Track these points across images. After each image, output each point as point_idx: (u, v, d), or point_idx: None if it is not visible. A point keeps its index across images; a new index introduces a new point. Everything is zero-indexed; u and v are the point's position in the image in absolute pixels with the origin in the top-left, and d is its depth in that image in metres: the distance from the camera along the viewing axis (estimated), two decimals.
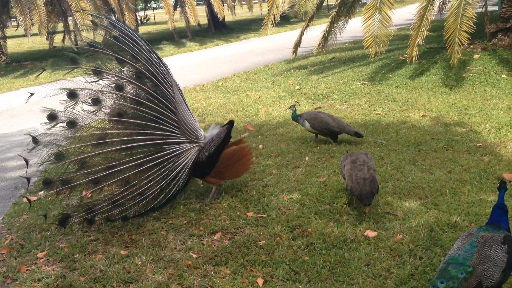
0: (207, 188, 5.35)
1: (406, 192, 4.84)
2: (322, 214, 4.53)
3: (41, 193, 5.61)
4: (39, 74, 7.08)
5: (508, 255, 2.91)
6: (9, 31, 30.65)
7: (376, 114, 7.76)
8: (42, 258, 4.16)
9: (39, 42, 25.57)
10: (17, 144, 8.01)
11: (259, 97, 9.76)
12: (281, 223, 4.41)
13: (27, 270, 4.00)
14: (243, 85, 11.23)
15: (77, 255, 4.16)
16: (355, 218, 4.40)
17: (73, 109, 4.36)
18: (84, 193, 4.72)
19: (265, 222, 4.48)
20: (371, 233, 4.11)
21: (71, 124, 4.37)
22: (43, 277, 3.84)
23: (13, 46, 26.53)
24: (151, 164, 4.58)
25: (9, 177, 6.47)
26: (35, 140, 4.33)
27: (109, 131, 4.54)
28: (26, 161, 4.48)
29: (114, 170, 4.44)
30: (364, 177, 4.42)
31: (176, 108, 4.73)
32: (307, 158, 5.99)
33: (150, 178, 4.58)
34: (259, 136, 7.06)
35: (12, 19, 31.27)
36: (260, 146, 6.62)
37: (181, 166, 4.78)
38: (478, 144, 5.94)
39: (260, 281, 3.58)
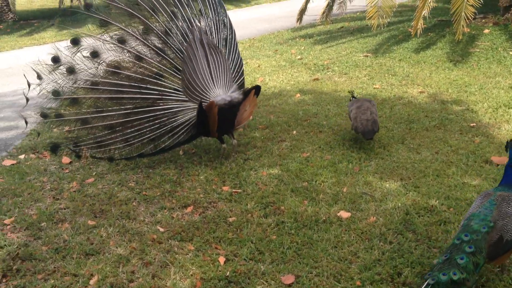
0: (186, 159, 5.23)
1: (388, 172, 4.68)
2: (299, 191, 4.39)
3: (21, 157, 5.54)
4: (49, 25, 7.46)
5: None
6: None
7: (374, 88, 7.53)
8: (8, 224, 4.09)
9: (51, 1, 25.29)
10: (9, 105, 7.93)
11: (259, 65, 9.55)
12: (255, 199, 4.29)
13: None
14: (245, 52, 10.98)
15: (44, 223, 4.08)
16: (331, 197, 4.27)
17: (74, 55, 4.75)
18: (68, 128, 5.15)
19: (240, 197, 4.36)
20: (344, 214, 3.97)
21: (70, 70, 4.76)
22: (5, 245, 3.76)
23: (24, 3, 26.26)
24: (139, 116, 4.81)
25: None
26: (39, 77, 4.76)
27: (102, 80, 4.81)
28: (27, 99, 4.83)
29: (101, 114, 4.80)
30: (367, 119, 5.08)
31: (184, 67, 4.88)
32: (294, 132, 5.83)
33: (137, 128, 4.83)
34: (257, 104, 6.88)
35: None
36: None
37: (178, 123, 4.88)
38: (471, 124, 5.73)
39: (221, 260, 3.48)
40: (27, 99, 4.82)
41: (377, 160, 4.93)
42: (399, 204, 4.07)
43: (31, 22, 18.43)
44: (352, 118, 5.24)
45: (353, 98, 5.66)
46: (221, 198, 4.38)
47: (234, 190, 4.49)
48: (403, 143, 5.33)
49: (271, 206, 4.18)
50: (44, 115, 4.83)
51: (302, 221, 3.91)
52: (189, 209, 4.22)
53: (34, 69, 4.76)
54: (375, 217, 3.90)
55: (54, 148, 5.00)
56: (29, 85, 4.74)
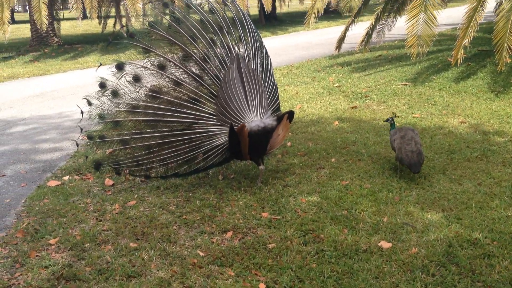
0: (226, 184, 5.29)
1: (429, 202, 4.62)
2: (338, 220, 4.38)
3: (66, 178, 5.69)
4: (98, 67, 7.70)
5: None
6: (66, 14, 31.62)
7: (414, 117, 7.49)
8: (53, 244, 4.19)
9: (94, 26, 26.11)
10: (54, 127, 8.19)
11: (297, 92, 9.61)
12: (294, 226, 4.29)
13: (36, 256, 4.03)
14: (283, 79, 11.08)
15: (87, 244, 4.16)
16: (371, 226, 4.23)
17: (118, 80, 5.01)
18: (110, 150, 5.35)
19: (279, 224, 4.37)
20: (385, 244, 3.93)
21: (114, 93, 5.03)
22: (50, 265, 3.86)
23: (69, 28, 27.25)
24: (175, 138, 4.98)
25: (39, 159, 6.59)
26: (89, 103, 5.08)
27: (143, 103, 5.03)
28: (82, 112, 5.14)
29: (140, 136, 5.03)
30: (412, 150, 5.00)
31: (220, 93, 5.02)
32: (333, 160, 5.83)
33: (173, 149, 5.01)
34: (289, 134, 6.93)
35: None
36: (289, 143, 6.50)
37: (212, 146, 5.05)
38: None
39: (262, 286, 3.48)
40: (81, 129, 5.24)
41: (418, 190, 4.88)
42: (441, 236, 4.00)
43: (75, 47, 19.08)
44: (397, 149, 5.16)
45: (393, 120, 5.62)
46: (260, 224, 4.40)
47: (273, 217, 4.50)
48: (444, 173, 5.27)
49: (311, 233, 4.17)
50: (90, 137, 5.10)
51: (342, 250, 3.89)
52: (229, 234, 4.25)
53: (85, 97, 5.10)
54: (416, 249, 3.84)
55: (97, 166, 5.21)
56: (82, 113, 5.10)
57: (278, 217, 4.50)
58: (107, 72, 5.04)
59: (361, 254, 3.84)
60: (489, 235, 3.99)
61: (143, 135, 5.02)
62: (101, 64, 5.57)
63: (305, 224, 4.32)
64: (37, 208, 4.94)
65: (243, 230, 4.31)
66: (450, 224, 4.21)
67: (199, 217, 4.57)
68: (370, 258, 3.77)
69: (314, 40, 18.28)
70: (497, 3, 14.54)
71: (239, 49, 5.46)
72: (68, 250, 4.10)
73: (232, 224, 4.40)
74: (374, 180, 5.19)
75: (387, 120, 5.70)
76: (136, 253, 3.99)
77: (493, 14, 14.60)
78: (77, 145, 5.40)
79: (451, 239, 3.96)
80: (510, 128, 6.66)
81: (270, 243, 4.05)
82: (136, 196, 5.13)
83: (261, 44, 5.72)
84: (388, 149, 6.04)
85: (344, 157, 5.92)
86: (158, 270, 3.74)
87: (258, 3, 25.23)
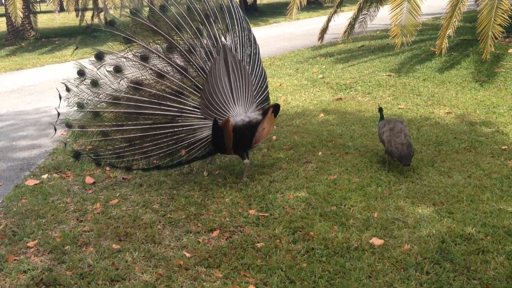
0: (211, 181, 5.14)
1: (420, 196, 4.53)
2: (328, 216, 4.26)
3: (44, 176, 5.49)
4: (74, 51, 7.48)
5: None
6: (43, 7, 30.99)
7: (399, 108, 7.40)
8: (32, 247, 4.00)
9: (71, 19, 25.53)
10: (32, 123, 7.94)
11: (280, 84, 9.48)
12: (283, 223, 4.17)
13: (15, 259, 3.84)
14: (266, 71, 10.85)
15: (68, 246, 3.98)
16: (362, 222, 4.12)
17: (98, 69, 4.77)
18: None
19: (267, 221, 4.24)
20: (377, 241, 3.83)
21: (94, 82, 4.79)
22: (29, 269, 3.68)
23: (46, 21, 26.67)
24: (157, 131, 4.82)
25: (17, 157, 6.36)
26: (67, 89, 4.84)
27: (124, 95, 4.82)
28: (60, 96, 4.85)
29: (121, 128, 4.84)
30: (402, 143, 4.93)
31: (205, 86, 4.86)
32: (320, 153, 5.71)
33: (155, 142, 4.84)
34: (274, 127, 6.79)
35: None
36: (274, 137, 6.37)
37: (196, 139, 4.90)
38: (503, 147, 5.56)
39: None
40: (58, 113, 4.87)
41: (408, 184, 4.79)
42: (434, 231, 3.91)
43: (53, 40, 18.67)
44: (386, 142, 5.05)
45: (381, 111, 5.51)
46: (248, 222, 4.26)
47: (261, 214, 4.37)
48: (433, 166, 5.18)
49: (300, 231, 4.05)
50: (68, 125, 4.88)
51: (333, 248, 3.77)
52: (215, 233, 4.11)
53: (63, 82, 4.84)
54: (409, 245, 3.74)
55: (76, 156, 4.99)
56: (60, 97, 4.81)
57: (266, 214, 4.37)
58: (86, 63, 4.83)
59: (353, 252, 3.73)
60: (482, 230, 3.91)
61: (124, 127, 4.83)
62: (77, 47, 5.38)
63: (294, 221, 4.20)
64: (14, 209, 4.74)
65: (230, 229, 4.17)
66: (442, 218, 4.12)
67: (184, 216, 4.42)
68: (362, 256, 3.66)
69: (296, 31, 18.12)
70: None
71: (226, 39, 5.29)
72: (48, 253, 3.92)
73: (218, 223, 4.26)
74: (362, 174, 5.08)
75: (379, 109, 5.57)
76: (119, 255, 3.83)
77: (474, 3, 14.65)
78: (55, 129, 5.01)
79: (443, 234, 3.87)
80: (496, 118, 6.60)
81: (258, 242, 3.92)
82: (118, 194, 4.96)
83: (249, 31, 5.55)
84: (375, 142, 5.94)
85: (331, 151, 5.80)
86: (142, 273, 3.59)
87: None
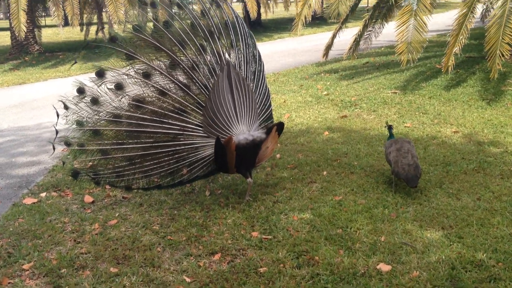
0: (213, 201, 5.01)
1: (428, 219, 4.39)
2: (333, 239, 4.12)
3: (43, 195, 5.37)
4: (71, 65, 7.40)
5: None
6: (48, 21, 31.11)
7: (405, 127, 7.28)
8: (27, 270, 3.87)
9: (76, 33, 25.57)
10: (32, 139, 7.84)
11: (284, 101, 9.37)
12: (287, 247, 4.02)
13: (9, 283, 3.72)
14: (270, 87, 10.72)
15: (64, 269, 3.85)
16: (368, 247, 3.98)
17: (99, 87, 4.66)
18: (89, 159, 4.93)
19: (270, 244, 4.10)
20: (384, 267, 3.68)
21: (94, 100, 4.67)
22: None
23: (51, 35, 26.77)
24: (159, 150, 4.70)
25: (16, 174, 6.25)
26: (65, 107, 4.72)
27: (125, 112, 4.71)
28: (57, 114, 4.76)
29: (121, 147, 4.72)
30: (409, 163, 4.78)
31: (207, 103, 4.74)
32: (324, 173, 5.58)
33: (156, 161, 4.71)
34: (278, 145, 6.67)
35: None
36: (278, 155, 6.25)
37: (198, 158, 4.76)
38: None
39: None
40: (57, 131, 4.78)
41: (415, 206, 4.65)
42: (444, 257, 3.76)
43: (57, 54, 18.67)
44: (393, 162, 4.91)
45: (391, 128, 5.38)
46: (250, 245, 4.12)
47: (264, 236, 4.23)
48: (441, 187, 5.04)
49: (304, 255, 3.91)
50: (67, 143, 4.76)
51: (339, 274, 3.63)
52: (217, 256, 3.97)
53: (61, 100, 4.72)
54: (418, 272, 3.60)
55: (75, 175, 4.84)
56: (57, 115, 4.71)
57: (269, 236, 4.23)
58: (87, 79, 4.76)
59: (359, 278, 3.58)
60: (494, 256, 3.76)
61: (125, 146, 4.73)
62: (75, 62, 5.31)
63: (298, 244, 4.06)
64: (11, 229, 4.62)
65: (232, 252, 4.03)
66: (451, 243, 3.97)
67: (185, 238, 4.28)
68: (369, 283, 3.51)
69: (300, 47, 18.09)
70: (483, 10, 14.55)
71: (230, 56, 5.20)
72: (44, 276, 3.79)
73: (220, 245, 4.12)
74: (368, 195, 4.95)
75: (388, 127, 5.43)
76: (117, 279, 3.70)
77: (479, 21, 14.58)
78: (54, 148, 4.90)
79: (453, 260, 3.72)
80: (505, 138, 6.47)
81: (261, 267, 3.78)
82: (117, 214, 4.83)
83: (255, 47, 5.47)
84: (381, 161, 5.81)
85: (336, 170, 5.67)
86: None
87: (242, 10, 25.03)
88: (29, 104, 10.61)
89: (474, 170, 5.45)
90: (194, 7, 5.41)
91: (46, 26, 30.01)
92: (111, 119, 4.73)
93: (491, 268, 3.62)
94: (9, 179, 6.09)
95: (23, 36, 15.62)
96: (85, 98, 4.66)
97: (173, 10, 5.17)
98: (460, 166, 5.55)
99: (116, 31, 4.89)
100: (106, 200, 5.22)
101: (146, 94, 4.79)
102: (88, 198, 5.22)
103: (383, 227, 4.29)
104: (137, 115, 4.72)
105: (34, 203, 5.21)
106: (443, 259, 3.74)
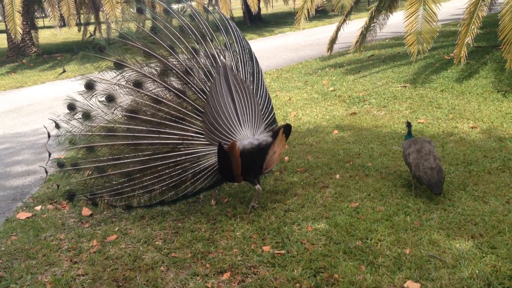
0: (219, 211, 4.65)
1: (455, 227, 4.01)
2: (353, 253, 3.75)
3: (38, 208, 5.03)
4: (60, 74, 7.12)
5: None
6: (47, 22, 30.72)
7: (419, 123, 6.90)
8: None
9: (74, 34, 25.25)
10: (29, 146, 7.51)
11: (289, 98, 9.00)
12: (302, 263, 3.66)
13: None
14: (274, 84, 10.47)
15: None
16: (392, 261, 3.61)
17: (90, 100, 4.45)
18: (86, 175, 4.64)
19: (284, 260, 3.74)
20: (412, 285, 3.31)
21: (86, 115, 4.46)
22: None
23: (49, 36, 26.47)
24: (158, 162, 4.41)
25: (10, 185, 5.90)
26: (57, 126, 4.50)
27: (119, 125, 4.51)
28: (49, 135, 4.64)
29: (118, 162, 4.44)
30: (431, 167, 4.40)
31: (207, 108, 4.45)
32: (337, 176, 5.21)
33: (156, 175, 4.43)
34: (286, 146, 6.30)
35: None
36: (286, 158, 5.89)
37: (201, 168, 4.43)
38: None
39: None
40: (49, 153, 4.68)
41: (440, 212, 4.28)
42: (477, 271, 3.40)
43: (54, 56, 18.35)
44: (413, 165, 4.53)
45: (409, 126, 5.00)
46: (262, 261, 3.76)
47: (276, 251, 3.87)
48: (465, 190, 4.67)
49: (322, 272, 3.54)
50: (60, 165, 4.52)
51: None
52: (226, 275, 3.62)
53: (52, 119, 4.52)
54: None
55: (71, 197, 4.61)
56: (49, 136, 4.61)
57: (282, 251, 3.87)
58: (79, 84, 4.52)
59: None
60: None
61: (122, 161, 4.42)
62: (64, 71, 5.01)
63: (315, 260, 3.69)
64: (3, 248, 4.27)
65: (243, 270, 3.67)
66: (484, 255, 3.60)
67: (191, 254, 3.93)
68: None
69: (302, 41, 17.69)
70: None
71: (225, 58, 4.88)
72: None
73: (229, 263, 3.76)
74: (387, 201, 4.58)
75: (407, 124, 5.06)
76: None
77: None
78: (46, 172, 4.77)
79: (488, 275, 3.36)
80: None
81: (275, 287, 3.42)
82: (117, 228, 4.48)
83: (250, 51, 5.14)
84: (397, 162, 5.45)
85: (349, 173, 5.30)
86: None
87: (242, 4, 24.64)
88: (26, 108, 10.28)
89: (499, 169, 5.08)
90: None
91: (44, 27, 29.72)
92: (105, 133, 4.49)
93: None
94: (3, 191, 5.75)
95: (19, 39, 15.27)
96: (77, 114, 4.44)
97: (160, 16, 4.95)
98: (483, 165, 5.18)
99: (102, 39, 4.62)
100: (105, 212, 4.87)
101: (140, 104, 4.52)
102: (86, 211, 4.87)
103: (407, 237, 3.92)
104: (132, 126, 4.46)
105: (28, 217, 4.86)
106: (477, 274, 3.38)
